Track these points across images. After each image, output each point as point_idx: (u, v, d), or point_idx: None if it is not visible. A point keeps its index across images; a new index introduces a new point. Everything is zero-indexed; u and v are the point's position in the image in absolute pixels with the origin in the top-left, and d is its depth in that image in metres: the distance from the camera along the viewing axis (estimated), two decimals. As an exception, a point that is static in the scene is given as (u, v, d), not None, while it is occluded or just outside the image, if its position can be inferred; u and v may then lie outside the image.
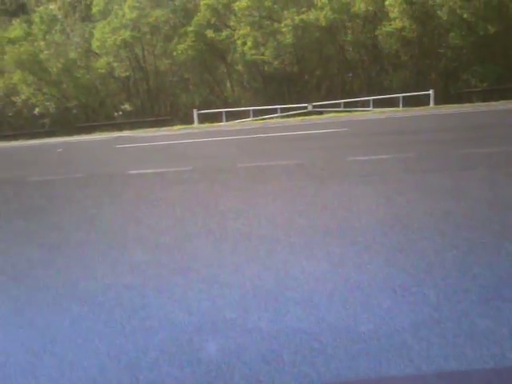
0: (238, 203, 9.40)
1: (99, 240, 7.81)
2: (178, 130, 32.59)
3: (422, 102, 37.64)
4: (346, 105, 38.16)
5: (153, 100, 52.07)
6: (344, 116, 31.42)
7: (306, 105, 38.10)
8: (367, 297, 4.93)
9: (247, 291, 5.27)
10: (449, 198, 8.47)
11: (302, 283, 5.32)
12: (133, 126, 41.54)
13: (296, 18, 45.61)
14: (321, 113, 36.23)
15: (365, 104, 39.04)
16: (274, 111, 38.34)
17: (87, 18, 54.72)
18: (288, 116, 36.85)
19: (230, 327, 4.58)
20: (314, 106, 37.97)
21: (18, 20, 58.56)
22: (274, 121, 33.94)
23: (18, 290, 5.94)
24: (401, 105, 37.23)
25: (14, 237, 8.43)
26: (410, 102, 37.07)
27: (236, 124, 34.94)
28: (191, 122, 38.91)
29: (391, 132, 19.88)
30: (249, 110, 39.30)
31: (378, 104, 37.83)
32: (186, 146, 21.21)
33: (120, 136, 30.43)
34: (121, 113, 50.57)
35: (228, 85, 53.08)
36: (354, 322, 4.49)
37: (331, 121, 27.72)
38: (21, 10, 64.58)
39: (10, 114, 52.80)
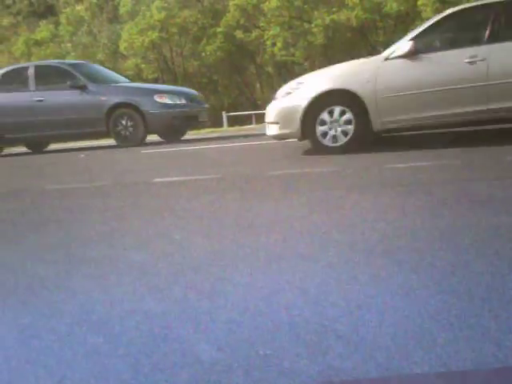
0: (271, 216, 8.68)
1: (119, 257, 7.08)
2: (206, 133, 32.00)
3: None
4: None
5: None
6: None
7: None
8: (419, 330, 4.13)
9: (282, 322, 4.52)
10: (502, 211, 7.70)
11: (344, 312, 4.61)
12: (160, 128, 41.03)
13: (327, 18, 45.07)
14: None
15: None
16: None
17: (114, 18, 54.58)
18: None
19: (264, 366, 3.82)
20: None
21: (44, 21, 58.51)
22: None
23: (28, 317, 5.27)
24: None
25: (26, 253, 7.76)
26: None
27: (265, 126, 34.26)
28: (220, 124, 38.46)
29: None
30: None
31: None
32: (215, 151, 20.45)
33: (146, 140, 29.80)
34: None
35: (257, 86, 52.68)
36: (406, 361, 3.70)
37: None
38: (49, 12, 64.66)
39: None
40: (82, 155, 22.52)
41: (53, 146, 34.63)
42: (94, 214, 9.97)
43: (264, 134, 17.87)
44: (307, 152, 16.60)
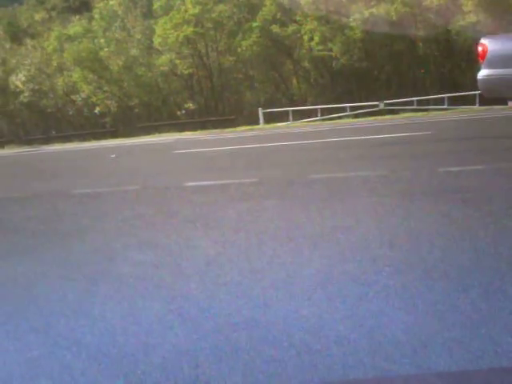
0: (314, 227, 7.82)
1: (147, 276, 6.29)
2: (242, 131, 31.17)
3: (499, 100, 35.66)
4: (419, 103, 36.41)
5: (216, 98, 51.17)
6: (421, 116, 29.58)
7: (376, 103, 36.44)
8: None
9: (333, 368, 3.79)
10: None
11: (407, 353, 3.86)
12: (196, 125, 40.48)
13: (365, 11, 44.13)
14: (394, 112, 34.56)
15: (438, 102, 37.17)
16: (343, 109, 36.88)
17: (148, 13, 54.14)
18: (359, 115, 35.38)
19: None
20: (386, 104, 36.30)
21: (77, 16, 58.26)
22: (345, 121, 32.28)
23: (38, 349, 4.54)
24: (477, 103, 35.25)
25: (45, 268, 6.99)
26: (486, 101, 35.16)
27: (304, 124, 33.42)
28: (256, 121, 37.79)
29: (481, 136, 18.01)
30: (316, 109, 38.02)
31: (453, 102, 36.02)
32: (251, 151, 19.46)
33: (179, 139, 29.02)
34: (184, 111, 49.87)
35: (294, 82, 52.01)
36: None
37: (409, 122, 25.86)
38: (84, 7, 64.37)
39: (71, 113, 52.47)
40: (113, 155, 21.68)
41: (86, 144, 34.13)
42: (121, 223, 9.15)
43: (302, 133, 17.10)
44: (349, 152, 15.72)
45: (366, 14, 43.99)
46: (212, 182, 12.10)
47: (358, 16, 44.19)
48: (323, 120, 34.83)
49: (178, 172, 15.25)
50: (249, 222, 8.47)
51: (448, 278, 5.32)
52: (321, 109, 37.34)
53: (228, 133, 31.35)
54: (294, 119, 36.54)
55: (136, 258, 7.02)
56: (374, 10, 44.01)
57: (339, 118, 34.66)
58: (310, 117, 37.65)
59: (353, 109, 36.62)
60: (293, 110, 37.25)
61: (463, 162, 11.78)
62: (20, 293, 6.12)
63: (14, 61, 55.13)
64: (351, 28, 44.60)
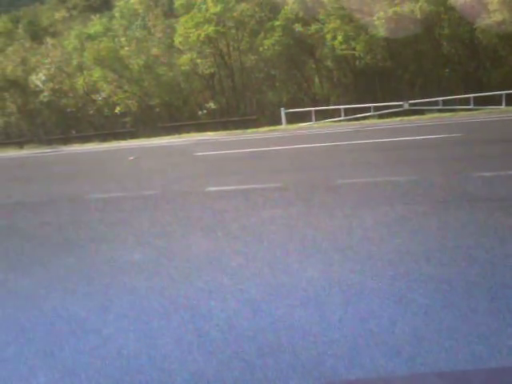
0: (343, 237, 7.32)
1: (164, 291, 5.87)
2: (264, 132, 30.63)
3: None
4: (445, 103, 35.78)
5: (238, 98, 50.72)
6: (449, 116, 28.91)
7: (401, 103, 35.80)
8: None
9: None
10: None
11: None
12: (217, 126, 40.10)
13: (389, 10, 43.47)
14: (419, 112, 33.92)
15: (463, 102, 36.51)
16: (367, 109, 36.24)
17: (169, 12, 53.88)
18: (383, 115, 34.81)
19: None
20: (410, 104, 35.68)
21: (97, 15, 58.13)
22: (370, 121, 31.58)
23: (48, 375, 4.22)
24: (503, 103, 34.58)
25: (56, 281, 6.56)
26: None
27: (327, 125, 32.86)
28: (278, 121, 37.34)
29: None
30: (339, 109, 37.51)
31: (478, 102, 35.38)
32: (275, 154, 18.88)
33: (200, 140, 28.49)
34: (205, 111, 49.56)
35: (316, 81, 51.53)
36: None
37: (436, 122, 25.25)
38: (105, 6, 64.33)
39: (91, 113, 52.32)
40: (131, 157, 21.06)
41: (105, 145, 33.73)
42: (139, 232, 8.67)
43: (326, 134, 16.52)
44: (377, 155, 15.16)
45: (390, 12, 43.29)
46: (234, 187, 11.58)
47: (381, 15, 43.51)
48: (347, 120, 34.28)
49: (198, 176, 14.65)
50: (273, 231, 7.97)
51: (492, 296, 4.87)
52: (344, 109, 36.81)
53: (250, 134, 30.77)
54: (317, 119, 36.01)
55: (152, 270, 6.57)
56: (398, 8, 43.35)
57: (363, 118, 34.12)
58: (332, 117, 37.16)
59: (377, 109, 36.01)
60: (315, 110, 36.79)
61: (498, 167, 11.23)
62: (26, 309, 5.71)
63: (33, 60, 55.12)
64: (375, 27, 43.95)
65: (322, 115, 37.83)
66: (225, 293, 5.56)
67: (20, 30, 68.25)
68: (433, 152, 15.12)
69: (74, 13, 79.56)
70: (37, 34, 68.34)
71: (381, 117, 34.57)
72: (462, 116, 28.99)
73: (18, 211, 11.61)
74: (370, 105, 36.68)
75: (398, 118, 30.53)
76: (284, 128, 33.30)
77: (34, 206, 11.94)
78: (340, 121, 35.05)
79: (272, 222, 8.54)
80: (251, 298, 5.36)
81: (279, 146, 20.56)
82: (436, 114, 31.47)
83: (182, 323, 4.94)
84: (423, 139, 18.35)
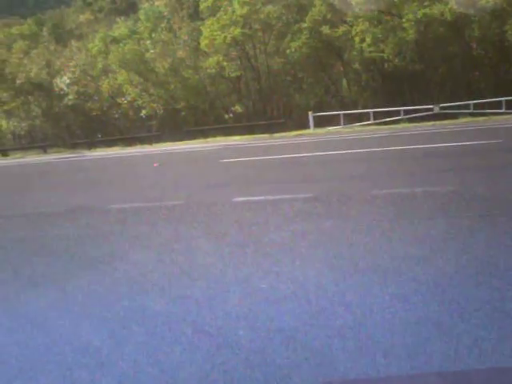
0: (384, 256, 6.67)
1: (186, 315, 5.32)
2: (292, 137, 30.09)
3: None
4: (475, 106, 35.08)
5: (265, 101, 50.51)
6: (483, 121, 28.22)
7: (431, 106, 35.16)
8: None
9: None
10: None
11: None
12: (243, 129, 39.79)
13: (418, 12, 42.91)
14: (450, 116, 33.27)
15: (494, 105, 35.78)
16: (397, 113, 35.63)
17: (195, 14, 53.74)
18: (414, 119, 34.18)
19: None
20: (441, 108, 35.01)
21: (122, 18, 58.14)
22: (401, 125, 30.96)
23: None
24: (536, 107, 33.87)
25: (67, 304, 6.00)
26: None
27: (356, 129, 32.27)
28: (305, 124, 37.00)
29: None
30: (368, 113, 36.91)
31: (510, 105, 34.65)
32: (305, 161, 18.12)
33: (227, 145, 27.96)
34: (231, 115, 49.36)
35: (344, 84, 51.09)
36: None
37: (471, 127, 24.54)
38: (131, 9, 64.28)
39: (116, 116, 52.28)
40: (156, 164, 20.50)
41: (130, 150, 33.32)
42: (162, 247, 8.07)
43: (356, 139, 15.86)
44: (413, 164, 14.47)
45: (420, 14, 42.77)
46: (262, 198, 10.96)
47: (411, 16, 42.99)
48: (377, 124, 33.68)
49: (224, 184, 14.15)
50: (306, 247, 7.34)
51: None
52: (373, 112, 36.23)
53: (278, 138, 30.20)
54: (345, 123, 35.53)
55: (175, 293, 5.98)
56: (427, 10, 42.77)
57: (393, 122, 33.55)
58: (361, 121, 36.69)
59: (406, 112, 35.44)
60: (344, 114, 36.29)
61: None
62: (35, 336, 5.18)
63: (58, 63, 55.07)
64: (404, 29, 43.41)
65: (350, 119, 37.39)
66: (254, 320, 5.01)
67: (45, 33, 68.27)
68: (474, 160, 14.39)
69: (100, 16, 79.64)
70: (61, 37, 68.55)
71: (411, 121, 33.96)
72: (496, 120, 28.32)
73: (34, 222, 11.11)
74: (400, 108, 36.09)
75: (431, 123, 29.87)
76: (312, 132, 32.76)
77: (51, 217, 11.41)
78: (369, 125, 34.43)
79: (304, 237, 7.92)
80: (283, 327, 4.81)
81: (308, 152, 19.92)
82: (468, 119, 30.83)
83: (207, 355, 4.42)
84: (461, 146, 17.56)
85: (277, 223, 8.90)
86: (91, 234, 9.43)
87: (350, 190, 11.34)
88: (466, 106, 35.40)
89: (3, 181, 22.07)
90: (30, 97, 57.75)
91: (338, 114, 36.82)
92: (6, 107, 59.70)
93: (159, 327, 5.05)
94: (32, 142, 57.15)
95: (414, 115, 35.12)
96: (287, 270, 6.42)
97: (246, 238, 8.13)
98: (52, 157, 35.16)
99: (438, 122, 29.72)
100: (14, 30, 70.37)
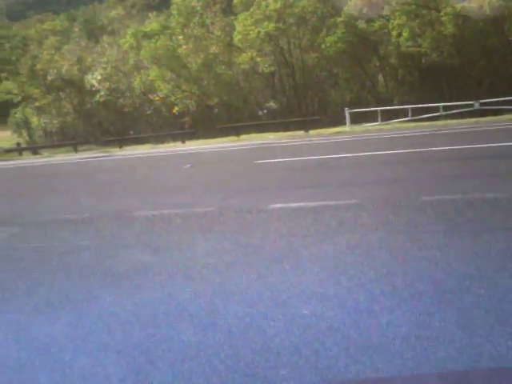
0: (444, 277, 5.84)
1: (217, 348, 4.61)
2: (329, 135, 29.23)
3: None
4: (519, 102, 34.03)
5: (299, 97, 50.07)
6: (528, 118, 27.16)
7: (471, 102, 34.13)
8: None
9: None
10: None
11: None
12: (278, 126, 39.20)
13: (457, 6, 42.02)
14: (491, 112, 32.20)
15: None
16: (435, 109, 34.67)
17: (228, 9, 53.41)
18: (453, 116, 33.21)
19: None
20: (481, 104, 33.95)
21: (154, 13, 58.06)
22: (442, 122, 29.84)
23: None
24: None
25: (87, 330, 5.33)
26: None
27: (395, 126, 31.36)
28: (341, 120, 36.34)
29: None
30: (406, 109, 36.00)
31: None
32: (345, 162, 17.05)
33: (261, 144, 27.13)
34: (265, 111, 48.97)
35: (380, 79, 50.39)
36: None
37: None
38: (164, 5, 63.93)
39: (148, 113, 52.09)
40: (188, 165, 19.60)
41: (161, 149, 32.70)
42: (192, 261, 7.28)
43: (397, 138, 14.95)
44: (464, 165, 13.54)
45: (458, 7, 41.89)
46: (301, 204, 10.10)
47: (449, 10, 42.13)
48: (415, 121, 32.77)
49: (260, 189, 13.32)
50: (353, 264, 6.52)
51: None
52: (411, 108, 35.35)
53: (314, 136, 29.25)
54: (382, 119, 34.76)
55: (206, 318, 5.26)
56: (466, 3, 41.90)
57: (431, 118, 32.64)
58: (398, 117, 35.87)
59: (446, 108, 34.52)
60: (381, 110, 35.50)
61: None
62: (51, 369, 4.56)
63: (89, 59, 54.98)
64: (442, 23, 42.57)
65: (387, 115, 36.56)
66: (297, 357, 4.31)
67: (76, 29, 68.25)
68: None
69: (133, 11, 79.52)
70: (93, 33, 68.58)
71: (451, 117, 33.00)
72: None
73: (52, 231, 10.39)
74: (439, 104, 35.12)
75: (473, 119, 28.82)
76: (349, 130, 31.87)
77: (72, 225, 10.64)
78: (408, 121, 33.51)
79: (350, 250, 7.08)
80: (330, 364, 4.13)
81: (348, 152, 18.82)
82: (512, 116, 29.70)
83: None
84: (509, 146, 16.49)
85: (319, 235, 8.06)
86: (116, 245, 8.65)
87: (396, 195, 10.44)
88: (508, 102, 34.35)
89: (26, 183, 21.42)
90: (61, 93, 57.85)
91: (375, 111, 36.00)
92: (37, 104, 59.89)
93: (187, 362, 4.38)
94: (63, 138, 57.21)
95: (454, 111, 34.17)
96: (333, 292, 5.63)
97: (285, 252, 7.30)
98: (81, 156, 34.63)
99: (481, 119, 28.71)
100: (46, 26, 70.52)
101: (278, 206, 10.17)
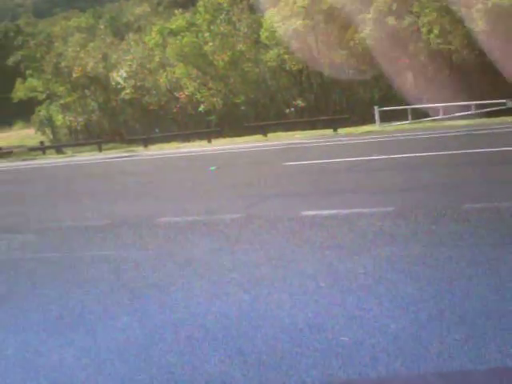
0: (496, 297, 5.23)
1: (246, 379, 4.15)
2: (359, 134, 28.61)
3: None
4: (553, 100, 33.43)
5: (327, 95, 49.72)
6: None
7: (503, 100, 33.49)
8: None
9: None
10: None
11: None
12: (305, 125, 38.86)
13: (489, 2, 41.43)
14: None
15: None
16: (467, 108, 34.05)
17: (255, 5, 53.09)
18: (486, 114, 32.53)
19: None
20: (515, 103, 33.34)
21: (180, 10, 57.98)
22: (476, 121, 29.00)
23: None
24: None
25: (103, 356, 4.81)
26: None
27: (427, 125, 30.71)
28: (369, 119, 36.00)
29: None
30: (437, 107, 35.39)
31: None
32: (378, 165, 16.10)
33: (289, 144, 26.56)
34: (293, 109, 48.60)
35: (410, 77, 49.82)
36: None
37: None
38: (190, 2, 63.76)
39: (174, 111, 51.94)
40: (213, 167, 18.92)
41: (187, 149, 32.23)
42: (217, 276, 6.71)
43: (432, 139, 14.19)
44: (506, 170, 12.81)
45: (490, 4, 41.30)
46: (334, 211, 9.46)
47: (480, 7, 41.52)
48: (447, 120, 32.08)
49: (290, 194, 12.67)
50: (393, 283, 5.93)
51: None
52: (442, 107, 34.77)
53: (343, 136, 28.47)
54: (412, 118, 34.18)
55: (233, 346, 4.69)
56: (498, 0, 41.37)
57: (464, 117, 31.99)
58: (427, 116, 35.31)
59: (478, 107, 33.91)
60: (411, 109, 34.96)
61: None
62: None
63: (115, 56, 54.90)
64: (473, 19, 41.97)
65: (417, 114, 36.03)
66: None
67: (101, 26, 68.24)
68: None
69: (159, 8, 79.39)
70: (118, 30, 68.54)
71: (484, 116, 32.32)
72: None
73: (70, 239, 9.84)
74: (471, 103, 34.52)
75: (510, 118, 27.89)
76: (380, 129, 31.24)
77: (91, 232, 10.07)
78: (439, 120, 32.82)
79: (390, 265, 6.49)
80: None
81: (381, 153, 17.99)
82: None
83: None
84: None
85: (355, 246, 7.43)
86: (135, 257, 8.07)
87: (436, 202, 9.78)
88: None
89: (45, 185, 20.94)
90: (86, 91, 57.83)
91: (405, 109, 35.48)
92: (62, 101, 59.87)
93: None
94: (89, 136, 57.19)
95: (486, 110, 33.54)
96: (374, 314, 5.04)
97: (319, 267, 6.71)
98: (105, 156, 34.25)
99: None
100: (71, 23, 70.64)
101: (310, 213, 9.53)
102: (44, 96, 64.85)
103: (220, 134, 39.86)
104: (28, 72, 67.27)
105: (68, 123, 60.50)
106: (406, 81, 49.84)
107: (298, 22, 46.82)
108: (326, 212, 9.45)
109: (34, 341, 5.28)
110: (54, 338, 5.29)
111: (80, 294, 6.55)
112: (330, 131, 32.79)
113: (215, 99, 49.65)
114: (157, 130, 50.25)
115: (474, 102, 34.54)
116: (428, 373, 3.64)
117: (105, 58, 55.89)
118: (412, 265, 6.45)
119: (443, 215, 8.69)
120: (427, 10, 44.21)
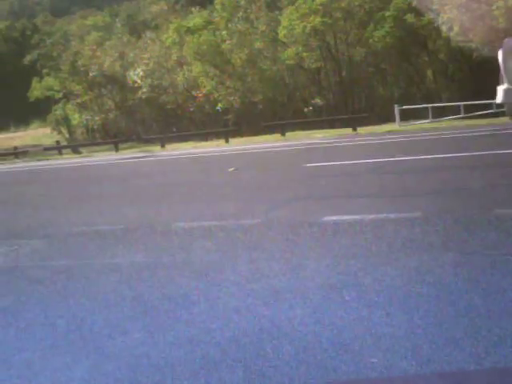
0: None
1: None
2: (380, 134, 28.19)
3: None
4: None
5: (346, 93, 49.62)
6: None
7: (527, 99, 32.97)
8: None
9: None
10: None
11: None
12: (323, 124, 38.70)
13: (508, -1, 41.20)
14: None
15: None
16: (488, 106, 33.63)
17: (273, 3, 53.19)
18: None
19: None
20: (536, 100, 32.81)
21: (197, 8, 58.18)
22: (499, 121, 28.61)
23: None
24: None
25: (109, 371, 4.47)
26: None
27: (448, 124, 30.28)
28: (389, 117, 35.80)
29: None
30: (457, 106, 35.00)
31: None
32: (403, 167, 15.42)
33: (309, 144, 26.21)
34: (311, 108, 48.42)
35: (429, 75, 49.63)
36: None
37: None
38: (208, 0, 63.84)
39: (191, 110, 51.98)
40: (232, 168, 18.53)
41: (204, 149, 31.93)
42: (236, 287, 6.29)
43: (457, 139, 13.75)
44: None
45: (510, 1, 40.90)
46: (357, 217, 8.99)
47: (501, 4, 41.14)
48: (468, 118, 31.75)
49: (311, 198, 12.20)
50: (424, 297, 5.50)
51: None
52: (463, 105, 34.43)
53: (364, 136, 28.11)
54: (433, 117, 33.88)
55: (253, 367, 4.28)
56: (518, -4, 41.09)
57: (485, 116, 31.64)
58: (448, 114, 34.99)
59: (498, 106, 33.50)
60: (432, 107, 34.67)
61: None
62: None
63: (132, 55, 55.02)
64: (494, 17, 41.61)
65: (437, 112, 35.68)
66: None
67: (118, 24, 68.43)
68: None
69: (177, 6, 79.47)
70: (135, 28, 68.66)
71: (505, 115, 31.94)
72: None
73: (82, 245, 9.46)
74: (492, 101, 34.04)
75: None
76: (400, 129, 30.85)
77: (104, 238, 9.72)
78: (461, 119, 32.41)
79: (420, 277, 6.05)
80: None
81: (405, 154, 17.52)
82: None
83: None
84: None
85: (381, 256, 6.97)
86: (149, 265, 7.67)
87: (465, 207, 9.28)
88: None
89: (58, 187, 20.65)
90: (103, 89, 57.98)
91: (426, 108, 35.18)
92: (78, 100, 60.05)
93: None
94: (105, 135, 57.31)
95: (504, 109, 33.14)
96: (405, 333, 4.63)
97: (344, 278, 6.27)
98: (121, 156, 34.10)
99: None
100: (88, 22, 70.92)
101: (332, 218, 9.07)
102: (60, 95, 65.13)
103: (237, 133, 39.81)
104: (44, 71, 67.50)
105: (85, 122, 60.70)
106: (426, 79, 49.72)
107: (316, 20, 46.69)
108: (349, 217, 8.98)
109: (39, 359, 4.91)
110: (60, 356, 4.90)
111: (89, 306, 6.19)
112: (349, 130, 32.49)
113: (233, 98, 49.68)
114: (174, 129, 50.28)
115: (495, 101, 34.18)
116: (428, 373, 3.62)
117: (121, 56, 56.06)
118: (443, 276, 6.01)
119: (472, 221, 8.23)
120: (447, 8, 43.85)
